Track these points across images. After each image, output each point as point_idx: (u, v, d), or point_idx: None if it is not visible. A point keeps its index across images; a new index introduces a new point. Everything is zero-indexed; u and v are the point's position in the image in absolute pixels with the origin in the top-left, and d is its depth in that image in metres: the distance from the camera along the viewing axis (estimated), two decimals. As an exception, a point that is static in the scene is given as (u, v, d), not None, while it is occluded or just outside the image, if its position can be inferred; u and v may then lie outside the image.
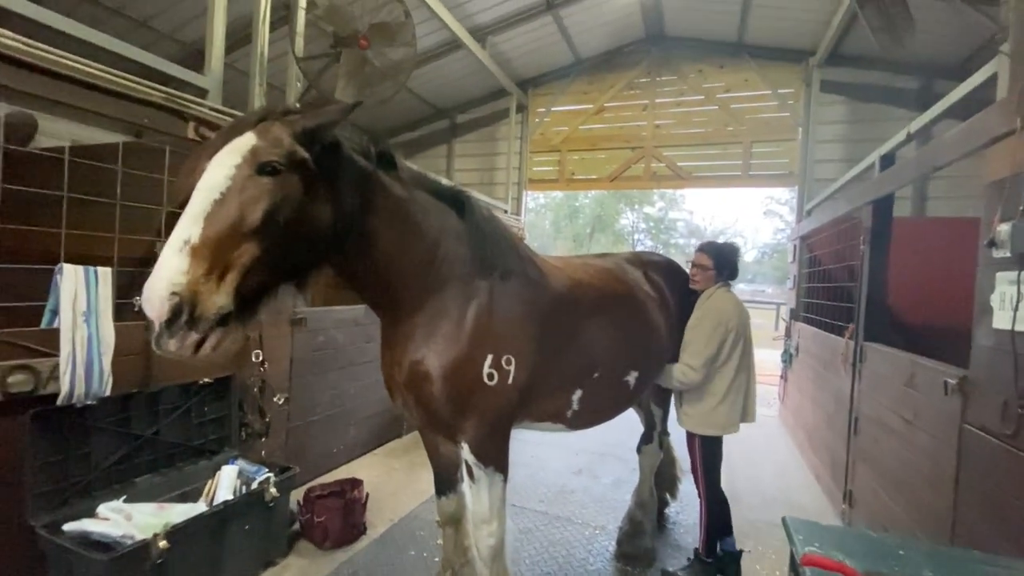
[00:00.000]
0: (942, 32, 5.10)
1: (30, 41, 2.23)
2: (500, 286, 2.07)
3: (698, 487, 2.86)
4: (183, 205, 1.39)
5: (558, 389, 2.29)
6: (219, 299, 1.35)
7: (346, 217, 1.70)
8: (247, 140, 1.48)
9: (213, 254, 1.34)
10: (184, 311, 1.28)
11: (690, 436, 2.85)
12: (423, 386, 1.96)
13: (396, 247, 1.89)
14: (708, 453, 2.79)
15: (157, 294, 1.26)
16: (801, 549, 1.40)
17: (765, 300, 24.74)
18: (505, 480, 2.11)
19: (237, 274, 1.39)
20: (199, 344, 1.36)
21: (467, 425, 1.99)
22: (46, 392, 2.18)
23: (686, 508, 3.64)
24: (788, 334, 6.33)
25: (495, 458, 2.06)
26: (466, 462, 2.06)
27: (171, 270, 1.28)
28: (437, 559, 2.83)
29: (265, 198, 1.44)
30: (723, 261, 2.82)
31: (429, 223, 1.98)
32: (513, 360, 2.01)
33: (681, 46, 7.79)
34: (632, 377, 2.54)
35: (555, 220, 30.81)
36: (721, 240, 3.07)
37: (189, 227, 1.34)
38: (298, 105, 1.70)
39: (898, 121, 5.48)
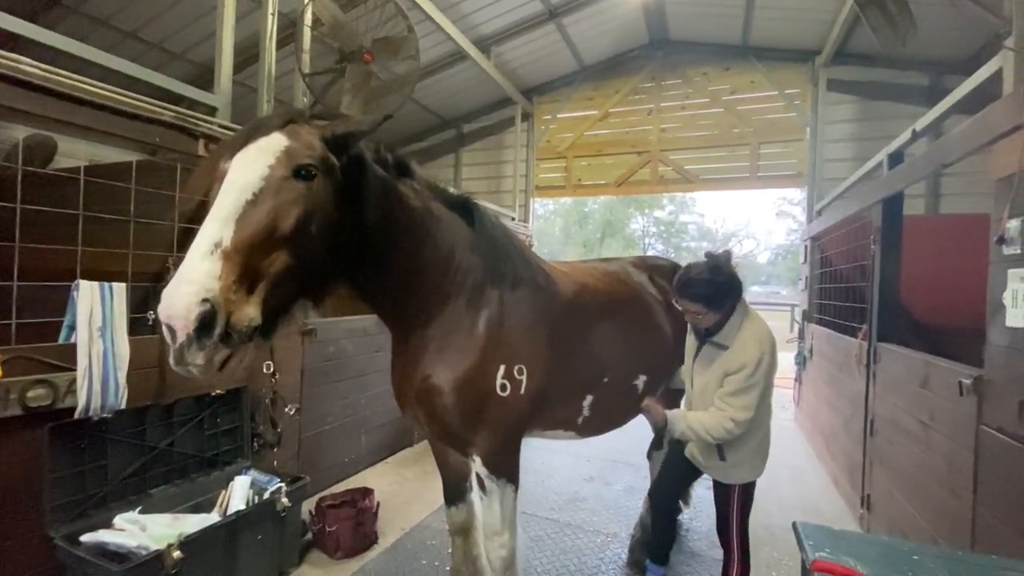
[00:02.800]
0: (949, 27, 5.04)
1: (49, 67, 2.31)
2: (510, 295, 2.05)
3: (730, 544, 2.29)
4: (200, 206, 1.33)
5: (569, 396, 2.27)
6: (250, 311, 1.21)
7: (368, 229, 1.65)
8: (277, 140, 1.37)
9: (245, 260, 1.20)
10: (217, 321, 1.13)
11: (725, 488, 2.29)
12: (435, 399, 1.93)
13: (414, 259, 1.85)
14: (748, 499, 2.28)
15: (184, 301, 1.09)
16: (811, 555, 1.38)
17: (779, 302, 24.40)
18: (516, 491, 2.09)
19: (267, 284, 1.26)
20: (225, 361, 1.21)
21: (479, 438, 1.96)
22: (64, 406, 2.22)
23: (699, 515, 3.59)
24: (802, 336, 6.25)
25: (507, 470, 2.04)
26: (477, 474, 2.04)
27: (201, 275, 1.12)
28: (448, 568, 2.82)
29: (300, 203, 1.33)
30: (717, 293, 2.12)
31: (444, 234, 1.95)
32: (525, 370, 1.99)
33: (685, 50, 7.79)
34: (641, 381, 2.53)
35: (565, 226, 30.82)
36: (698, 269, 2.18)
37: (219, 229, 1.19)
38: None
39: (908, 119, 5.37)
